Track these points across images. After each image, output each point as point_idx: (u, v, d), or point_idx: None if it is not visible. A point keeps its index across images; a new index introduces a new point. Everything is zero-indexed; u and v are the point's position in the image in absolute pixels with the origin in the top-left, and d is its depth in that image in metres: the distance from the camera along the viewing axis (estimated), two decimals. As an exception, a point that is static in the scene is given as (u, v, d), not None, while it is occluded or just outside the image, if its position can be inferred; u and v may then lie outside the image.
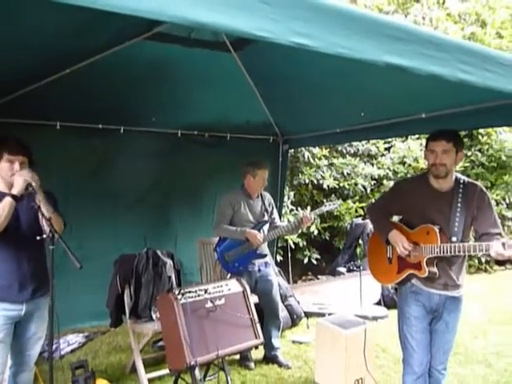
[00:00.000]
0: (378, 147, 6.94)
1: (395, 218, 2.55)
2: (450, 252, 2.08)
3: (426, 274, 2.19)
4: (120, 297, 3.28)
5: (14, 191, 2.10)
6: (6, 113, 3.34)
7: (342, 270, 5.99)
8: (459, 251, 2.06)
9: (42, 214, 2.10)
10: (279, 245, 5.40)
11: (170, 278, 3.42)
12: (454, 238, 2.14)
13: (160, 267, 3.42)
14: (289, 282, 4.84)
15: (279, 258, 5.52)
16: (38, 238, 2.11)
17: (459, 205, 2.16)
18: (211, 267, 3.91)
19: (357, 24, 1.05)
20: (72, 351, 3.71)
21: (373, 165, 6.82)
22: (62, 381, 2.54)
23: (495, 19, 8.33)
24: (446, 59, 1.20)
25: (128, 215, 4.16)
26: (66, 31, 2.20)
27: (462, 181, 2.24)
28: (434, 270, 2.21)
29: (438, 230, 2.15)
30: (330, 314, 3.86)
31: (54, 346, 3.50)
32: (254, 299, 3.02)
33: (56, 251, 2.12)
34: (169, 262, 3.48)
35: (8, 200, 2.08)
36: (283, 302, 4.12)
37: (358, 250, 6.31)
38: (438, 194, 2.23)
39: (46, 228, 2.10)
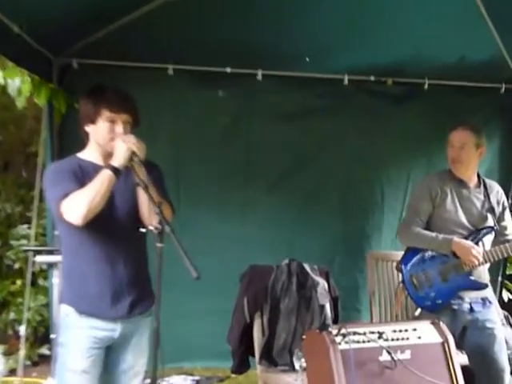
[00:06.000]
0: None
1: None
2: None
3: None
4: (248, 329, 3.44)
5: (116, 162, 2.22)
6: (99, 52, 3.75)
7: None
8: None
9: (151, 198, 2.18)
10: (508, 273, 5.10)
11: (322, 307, 3.51)
12: None
13: (308, 290, 3.53)
14: (525, 337, 4.46)
15: (507, 295, 5.23)
16: (141, 229, 2.25)
17: None
18: (389, 297, 3.87)
19: None
20: (177, 399, 4.02)
21: None
22: None
23: None
24: None
25: (263, 207, 4.32)
26: None
27: None
28: None
29: None
30: None
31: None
32: (460, 358, 2.91)
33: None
34: (322, 282, 3.57)
35: (107, 174, 2.18)
36: (512, 371, 3.80)
37: None
38: None
39: (153, 217, 2.17)
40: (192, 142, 4.16)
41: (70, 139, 3.73)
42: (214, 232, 4.15)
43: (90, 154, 2.38)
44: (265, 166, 4.33)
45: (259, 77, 4.09)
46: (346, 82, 4.25)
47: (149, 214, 2.26)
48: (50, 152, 3.88)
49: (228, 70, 4.04)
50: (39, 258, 3.84)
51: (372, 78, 4.31)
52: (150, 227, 2.16)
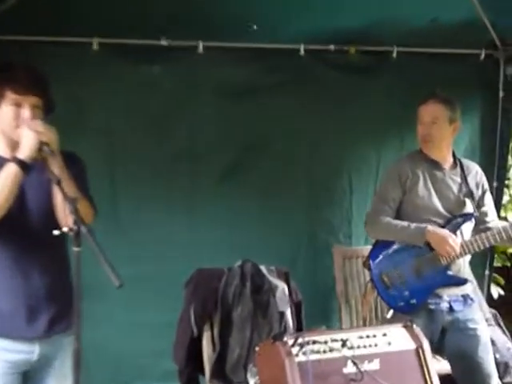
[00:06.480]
0: None
1: None
2: None
3: None
4: (196, 343, 3.43)
5: (22, 154, 2.19)
6: (11, 26, 3.59)
7: None
8: None
9: (65, 195, 2.15)
10: (496, 264, 5.19)
11: (282, 314, 3.54)
12: None
13: (265, 294, 3.54)
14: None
15: (497, 290, 5.38)
16: (54, 232, 2.18)
17: None
18: (361, 299, 3.89)
19: None
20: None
21: None
22: None
23: None
24: None
25: (214, 203, 4.29)
26: None
27: None
28: None
29: None
30: None
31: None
32: (439, 365, 3.00)
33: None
34: (281, 285, 3.59)
35: (12, 169, 2.16)
36: (501, 378, 3.87)
37: None
38: None
39: (69, 217, 2.12)
40: (127, 131, 4.09)
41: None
42: (158, 235, 4.12)
43: None
44: (213, 154, 4.28)
45: (200, 49, 4.04)
46: (302, 52, 4.23)
47: (65, 214, 2.20)
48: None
49: (164, 42, 3.96)
50: None
51: (332, 47, 4.30)
52: (65, 229, 2.10)
